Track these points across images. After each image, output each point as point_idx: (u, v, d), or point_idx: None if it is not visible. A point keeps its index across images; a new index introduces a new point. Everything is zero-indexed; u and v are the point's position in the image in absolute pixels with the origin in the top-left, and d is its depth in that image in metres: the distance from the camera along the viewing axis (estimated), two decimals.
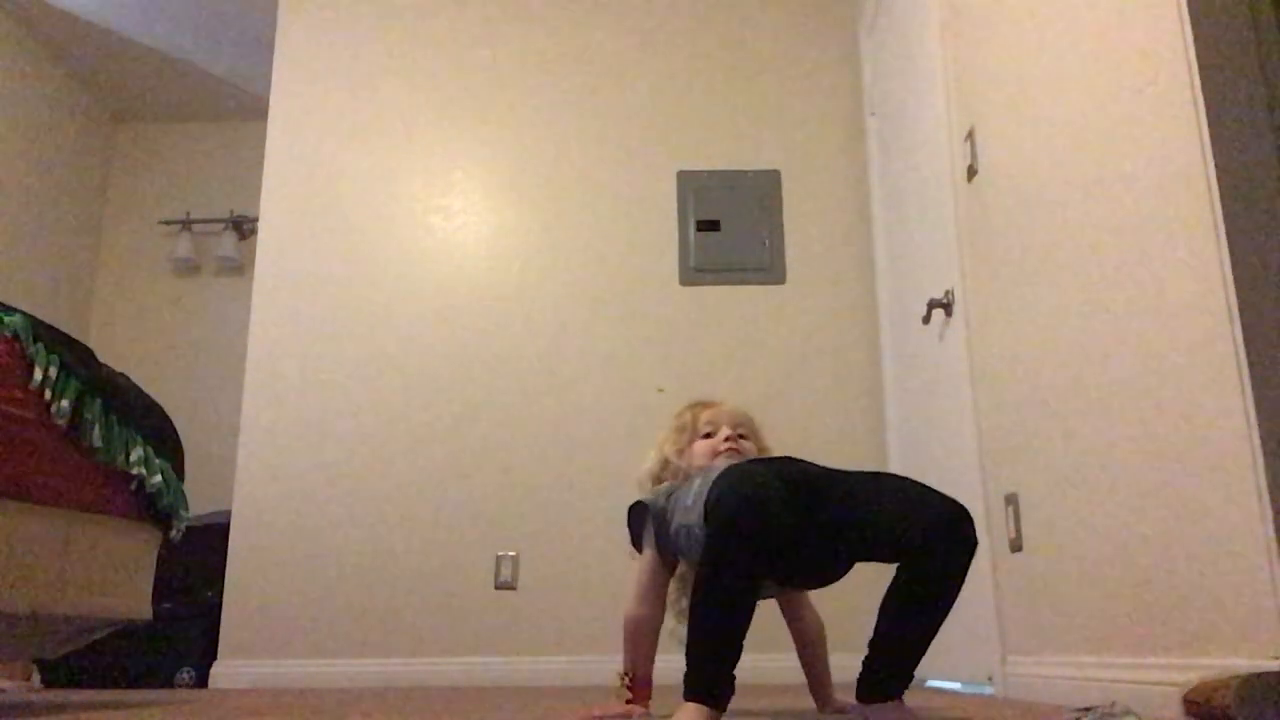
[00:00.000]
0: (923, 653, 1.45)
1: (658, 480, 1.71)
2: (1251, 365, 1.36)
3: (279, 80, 3.88)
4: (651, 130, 3.84)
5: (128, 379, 2.23)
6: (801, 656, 1.74)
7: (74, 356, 2.00)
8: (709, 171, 3.79)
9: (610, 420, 3.52)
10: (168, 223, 4.90)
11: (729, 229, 3.73)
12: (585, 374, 3.58)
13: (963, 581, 1.42)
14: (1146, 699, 1.46)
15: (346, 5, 3.97)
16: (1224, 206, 1.42)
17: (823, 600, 1.74)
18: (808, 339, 3.62)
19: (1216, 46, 1.48)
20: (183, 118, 5.08)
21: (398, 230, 3.75)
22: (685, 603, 1.48)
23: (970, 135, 2.53)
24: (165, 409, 2.34)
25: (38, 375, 1.88)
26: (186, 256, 4.80)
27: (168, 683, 3.29)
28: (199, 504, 2.81)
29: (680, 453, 1.70)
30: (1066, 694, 1.84)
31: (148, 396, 2.28)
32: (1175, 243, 1.55)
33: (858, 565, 1.57)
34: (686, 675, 1.33)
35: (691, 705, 1.30)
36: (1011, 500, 2.25)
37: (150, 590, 2.28)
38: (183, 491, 2.30)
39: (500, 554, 3.41)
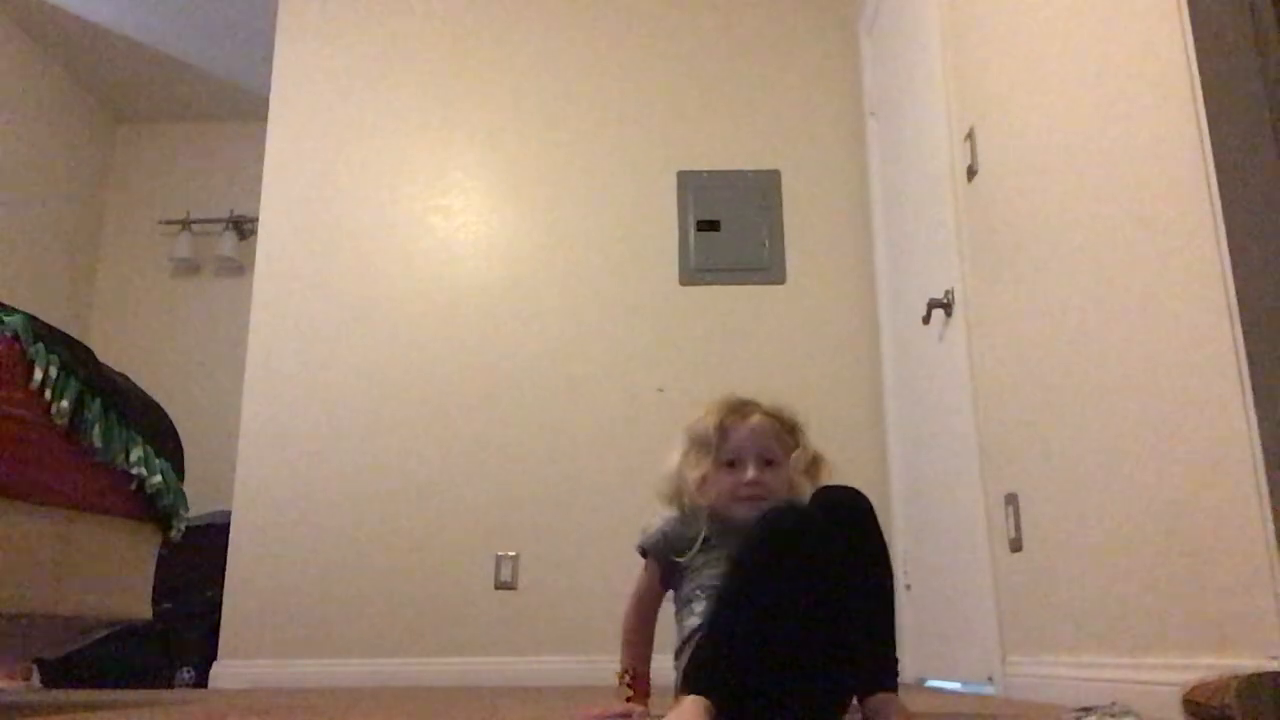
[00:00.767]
0: (891, 632, 1.42)
1: (675, 504, 1.55)
2: (1251, 365, 1.35)
3: (279, 80, 3.88)
4: (651, 130, 3.84)
5: (128, 379, 2.23)
6: None
7: (74, 356, 1.99)
8: (709, 171, 3.79)
9: (610, 420, 3.52)
10: (168, 223, 4.90)
11: (729, 229, 3.73)
12: (585, 374, 3.58)
13: (881, 540, 1.40)
14: (1146, 699, 1.46)
15: (346, 5, 3.97)
16: (1224, 206, 1.42)
17: None
18: (808, 339, 3.62)
19: (1216, 46, 1.48)
20: (183, 118, 5.08)
21: (398, 230, 3.75)
22: (687, 622, 1.46)
23: (970, 135, 2.52)
24: (165, 409, 2.34)
25: (38, 375, 1.88)
26: (186, 256, 4.80)
27: (168, 683, 3.29)
28: (199, 504, 2.81)
29: (702, 480, 1.50)
30: (1066, 694, 1.83)
31: (148, 396, 2.28)
32: (1175, 242, 1.55)
33: None
34: (688, 671, 1.32)
35: (692, 698, 1.27)
36: (1011, 500, 2.25)
37: (150, 590, 2.28)
38: (183, 491, 2.30)
39: (500, 554, 3.41)
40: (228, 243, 4.79)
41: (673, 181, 3.78)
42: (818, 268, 3.70)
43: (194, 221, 4.85)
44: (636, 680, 1.54)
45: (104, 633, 2.24)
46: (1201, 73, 1.48)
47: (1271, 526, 1.30)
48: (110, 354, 2.37)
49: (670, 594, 1.58)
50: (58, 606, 1.93)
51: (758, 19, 3.94)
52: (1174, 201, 1.55)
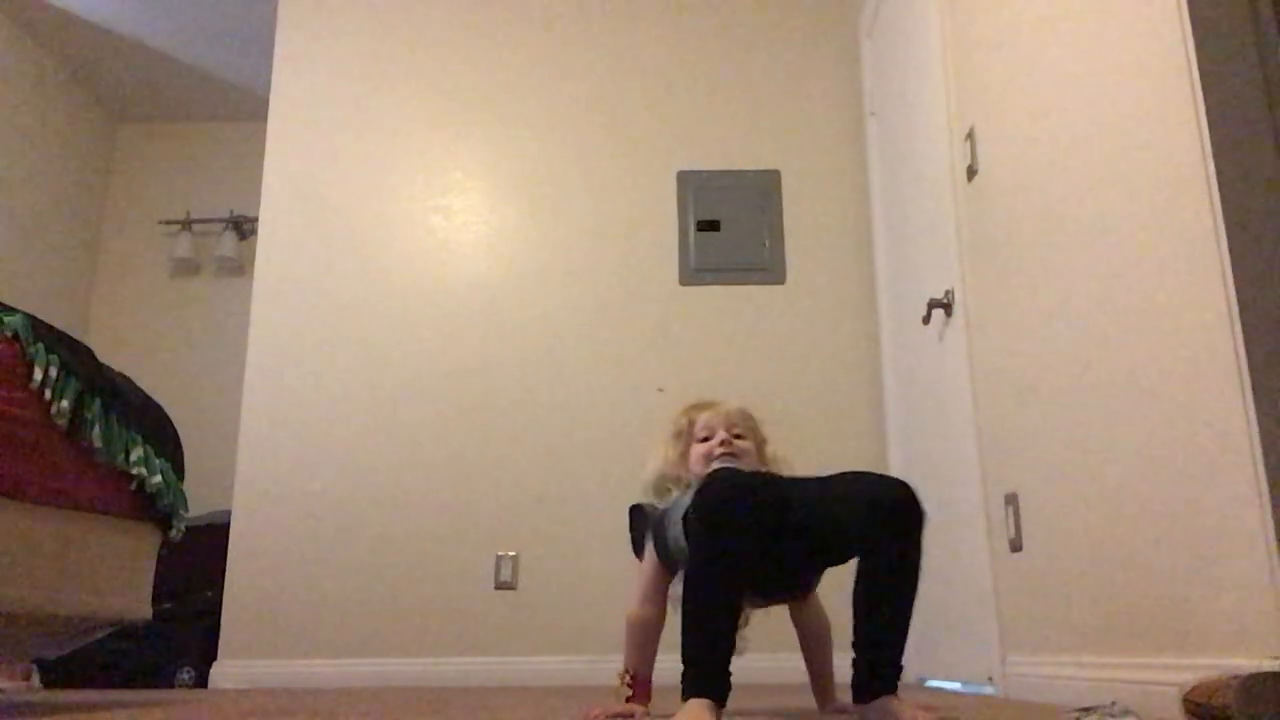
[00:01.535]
0: (903, 639, 1.45)
1: (660, 490, 1.69)
2: (1251, 365, 1.36)
3: (279, 80, 3.88)
4: (651, 130, 3.84)
5: (128, 379, 2.23)
6: (805, 655, 1.73)
7: (74, 356, 1.99)
8: (709, 171, 3.79)
9: (610, 420, 3.52)
10: (168, 223, 4.90)
11: (729, 229, 3.73)
12: (585, 374, 3.58)
13: (919, 556, 1.44)
14: (1146, 699, 1.46)
15: (346, 5, 3.97)
16: (1224, 206, 1.42)
17: (829, 599, 1.74)
18: (808, 339, 3.61)
19: (1216, 46, 1.48)
20: (183, 118, 5.08)
21: (398, 230, 3.75)
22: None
23: (970, 135, 2.53)
24: (165, 409, 2.34)
25: (38, 375, 1.88)
26: (186, 257, 4.80)
27: (168, 683, 3.29)
28: (199, 504, 2.81)
29: (681, 457, 1.68)
30: (1066, 694, 1.83)
31: (147, 396, 2.28)
32: (1175, 242, 1.55)
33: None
34: (684, 675, 1.34)
35: (694, 701, 1.30)
36: (1011, 500, 2.25)
37: (150, 590, 2.28)
38: (183, 491, 2.30)
39: (500, 554, 3.41)
40: (228, 243, 4.79)
41: (673, 181, 3.78)
42: (818, 268, 3.70)
43: (194, 221, 4.85)
44: (637, 682, 1.55)
45: (104, 633, 2.24)
46: (1201, 73, 1.48)
47: (1271, 526, 1.30)
48: (110, 354, 2.37)
49: (669, 594, 1.59)
50: (58, 606, 1.93)
51: (758, 19, 3.94)
52: (1174, 201, 1.55)
